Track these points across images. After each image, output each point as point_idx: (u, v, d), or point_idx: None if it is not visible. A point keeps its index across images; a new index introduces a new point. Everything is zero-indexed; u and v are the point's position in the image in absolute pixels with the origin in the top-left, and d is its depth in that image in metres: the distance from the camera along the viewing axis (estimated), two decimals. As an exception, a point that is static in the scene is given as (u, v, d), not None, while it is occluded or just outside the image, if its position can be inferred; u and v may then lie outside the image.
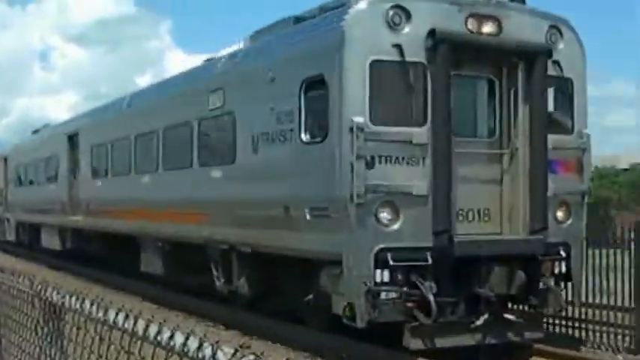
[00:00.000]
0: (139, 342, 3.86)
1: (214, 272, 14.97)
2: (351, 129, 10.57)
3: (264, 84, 12.75)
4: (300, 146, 11.73)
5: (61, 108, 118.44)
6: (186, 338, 3.38)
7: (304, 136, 11.74)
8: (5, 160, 37.32)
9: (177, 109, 16.68)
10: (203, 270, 15.81)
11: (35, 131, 34.69)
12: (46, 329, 5.31)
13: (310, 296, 12.08)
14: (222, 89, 14.46)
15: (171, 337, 3.53)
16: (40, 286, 5.11)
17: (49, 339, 5.21)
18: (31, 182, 31.46)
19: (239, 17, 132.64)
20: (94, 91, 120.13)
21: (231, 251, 14.07)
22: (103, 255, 24.28)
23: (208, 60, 16.77)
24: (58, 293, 4.76)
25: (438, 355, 10.75)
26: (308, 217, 11.46)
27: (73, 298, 4.57)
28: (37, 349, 5.53)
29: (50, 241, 27.84)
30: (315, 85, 11.25)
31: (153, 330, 3.71)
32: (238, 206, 13.75)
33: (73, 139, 24.69)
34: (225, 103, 14.28)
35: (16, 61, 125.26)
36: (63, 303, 4.75)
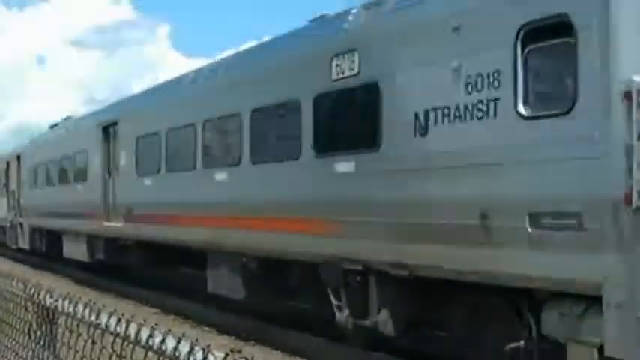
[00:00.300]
0: (130, 346, 3.83)
1: (333, 300, 11.86)
2: (628, 94, 7.55)
3: (439, 37, 9.78)
4: (515, 122, 8.69)
5: (58, 112, 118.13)
6: (178, 342, 3.44)
7: (523, 108, 8.63)
8: (18, 158, 34.21)
9: (276, 84, 13.40)
10: (307, 294, 13.33)
11: (53, 126, 31.70)
12: (39, 332, 5.38)
13: (518, 344, 9.16)
14: (356, 51, 11.25)
15: (163, 340, 3.55)
16: (33, 290, 5.13)
17: (42, 342, 5.28)
18: (50, 183, 28.15)
19: (238, 21, 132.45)
20: (91, 95, 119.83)
21: (367, 273, 11.05)
22: (145, 270, 22.19)
23: (316, 19, 13.69)
24: (51, 296, 4.77)
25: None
26: (529, 228, 8.41)
27: (66, 302, 4.55)
28: (31, 352, 5.50)
29: (75, 250, 24.67)
30: (547, 31, 8.39)
31: (145, 334, 3.82)
32: (390, 212, 10.49)
33: (108, 131, 21.50)
34: (362, 70, 11.14)
35: (13, 65, 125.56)
36: (56, 306, 4.73)
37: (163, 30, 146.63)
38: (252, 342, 13.86)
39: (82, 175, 23.51)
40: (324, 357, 12.39)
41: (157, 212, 17.64)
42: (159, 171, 17.71)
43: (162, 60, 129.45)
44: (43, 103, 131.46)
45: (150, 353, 4.15)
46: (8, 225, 36.07)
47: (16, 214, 34.02)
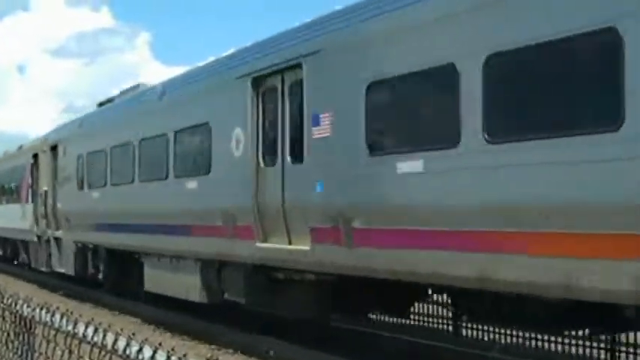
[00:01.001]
0: (107, 355, 3.84)
1: None
2: None
3: None
4: None
5: (38, 121, 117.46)
6: (154, 351, 3.40)
7: None
8: (54, 149, 24.76)
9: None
10: None
11: (103, 103, 23.36)
12: (16, 342, 5.30)
13: None
14: None
15: (140, 350, 3.53)
16: (10, 299, 5.11)
17: (19, 352, 5.22)
18: (119, 180, 19.22)
19: (218, 30, 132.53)
20: (71, 104, 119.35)
21: None
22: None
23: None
24: (28, 306, 4.76)
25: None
26: None
27: (43, 311, 4.56)
28: (8, 362, 5.53)
29: (176, 283, 16.07)
30: None
31: (122, 343, 3.74)
32: None
33: (293, 87, 12.27)
34: None
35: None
36: (33, 316, 4.74)
37: (143, 38, 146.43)
38: (231, 350, 13.90)
39: (196, 166, 15.14)
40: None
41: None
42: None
43: (142, 68, 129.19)
44: (23, 111, 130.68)
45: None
46: (34, 239, 26.56)
47: (48, 225, 24.72)
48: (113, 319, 16.83)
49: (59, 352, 4.93)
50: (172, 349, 3.84)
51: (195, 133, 15.25)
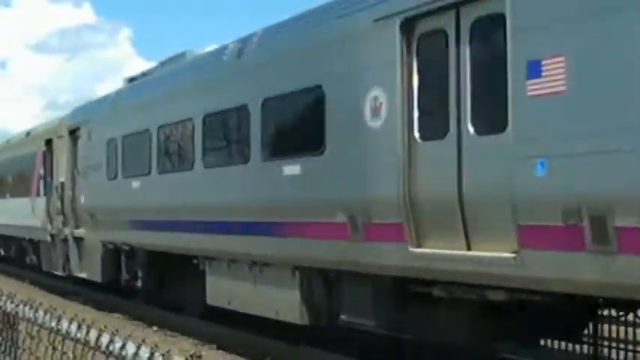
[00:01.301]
0: (91, 351, 3.85)
1: None
2: None
3: None
4: None
5: (20, 118, 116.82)
6: (138, 347, 3.42)
7: None
8: (75, 132, 21.11)
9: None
10: None
11: (134, 78, 19.79)
12: (0, 338, 5.27)
13: None
14: None
15: (123, 346, 3.55)
16: (-6, 296, 5.12)
17: (2, 348, 5.19)
18: (165, 168, 15.81)
19: (199, 26, 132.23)
20: (53, 100, 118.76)
21: None
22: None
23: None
24: (12, 302, 4.76)
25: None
26: None
27: (27, 307, 4.55)
28: (-9, 359, 5.51)
29: (273, 303, 12.29)
30: None
31: (105, 339, 3.75)
32: None
33: (482, 24, 8.99)
34: None
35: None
36: (17, 312, 4.73)
37: (125, 34, 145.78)
38: (215, 346, 13.89)
39: (298, 143, 11.83)
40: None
41: None
42: None
43: (125, 63, 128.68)
44: (4, 108, 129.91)
45: (110, 359, 4.18)
46: (47, 238, 23.12)
47: (65, 223, 21.42)
48: (97, 315, 16.78)
49: (43, 348, 4.93)
50: (156, 346, 3.85)
51: (297, 100, 11.75)
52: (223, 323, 14.69)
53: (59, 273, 22.12)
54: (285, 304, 11.84)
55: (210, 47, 15.25)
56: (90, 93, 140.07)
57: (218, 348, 13.90)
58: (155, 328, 16.14)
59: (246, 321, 14.00)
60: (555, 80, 7.70)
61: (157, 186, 15.86)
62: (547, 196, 7.81)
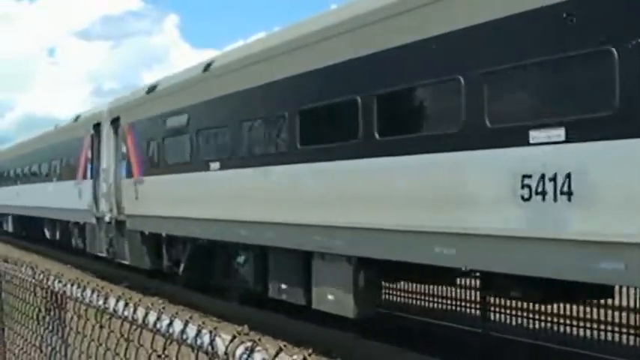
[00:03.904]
0: (138, 330, 3.81)
1: None
2: None
3: None
4: None
5: (67, 104, 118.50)
6: (185, 325, 3.35)
7: None
8: (116, 122, 22.32)
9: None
10: None
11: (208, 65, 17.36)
12: (47, 318, 5.30)
13: None
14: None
15: (170, 324, 3.48)
16: (42, 275, 5.11)
17: (50, 327, 5.21)
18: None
19: (247, 13, 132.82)
20: (99, 87, 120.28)
21: None
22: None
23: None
24: (59, 282, 4.74)
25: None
26: None
27: (74, 287, 4.53)
28: (39, 338, 5.50)
29: None
30: None
31: (152, 317, 3.72)
32: None
33: None
34: None
35: (21, 56, 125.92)
36: (64, 291, 4.72)
37: (171, 20, 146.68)
38: (259, 331, 13.91)
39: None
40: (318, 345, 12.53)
41: None
42: None
43: (171, 50, 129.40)
44: (51, 94, 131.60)
45: (157, 337, 4.15)
46: (92, 221, 23.88)
47: (111, 207, 22.02)
48: (143, 297, 16.91)
49: (90, 327, 4.90)
50: (203, 323, 3.80)
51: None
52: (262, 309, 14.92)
53: (103, 254, 23.19)
54: None
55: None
56: (136, 80, 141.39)
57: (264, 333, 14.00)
58: (200, 313, 16.23)
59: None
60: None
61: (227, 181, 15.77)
62: None
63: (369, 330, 12.84)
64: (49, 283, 5.57)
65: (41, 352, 6.02)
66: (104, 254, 23.03)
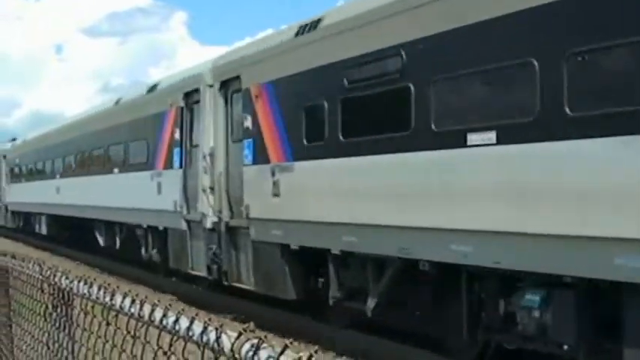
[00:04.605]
0: (144, 326, 3.81)
1: None
2: None
3: None
4: None
5: (75, 100, 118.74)
6: (191, 322, 3.35)
7: None
8: (227, 86, 16.24)
9: None
10: None
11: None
12: (54, 315, 5.32)
13: None
14: None
15: (176, 321, 3.48)
16: (49, 272, 5.12)
17: (57, 324, 5.23)
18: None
19: (254, 9, 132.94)
20: (106, 83, 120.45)
21: None
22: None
23: None
24: (66, 278, 4.76)
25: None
26: None
27: (81, 283, 4.54)
28: (46, 334, 5.51)
29: None
30: None
31: (158, 314, 3.74)
32: None
33: None
34: None
35: (29, 53, 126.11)
36: (71, 288, 4.73)
37: (179, 17, 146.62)
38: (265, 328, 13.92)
39: None
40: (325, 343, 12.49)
41: None
42: None
43: (179, 47, 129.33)
44: (59, 91, 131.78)
45: (163, 333, 4.15)
46: (182, 227, 17.49)
47: (222, 210, 15.83)
48: (150, 294, 16.94)
49: (96, 324, 4.91)
50: (209, 319, 3.81)
51: None
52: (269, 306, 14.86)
53: (199, 273, 16.81)
54: None
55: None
56: (143, 77, 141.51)
57: (264, 329, 14.00)
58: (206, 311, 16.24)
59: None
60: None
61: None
62: None
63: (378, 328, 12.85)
64: (56, 279, 5.57)
65: (48, 348, 6.03)
66: (202, 273, 16.62)
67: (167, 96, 18.96)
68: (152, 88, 21.02)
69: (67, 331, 5.63)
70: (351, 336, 12.93)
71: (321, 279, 13.17)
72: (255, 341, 3.14)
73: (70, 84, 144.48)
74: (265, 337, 3.17)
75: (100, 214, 24.08)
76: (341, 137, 12.14)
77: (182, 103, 17.80)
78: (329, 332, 13.24)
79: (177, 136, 17.91)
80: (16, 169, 39.87)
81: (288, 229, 13.40)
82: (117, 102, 24.45)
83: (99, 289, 4.82)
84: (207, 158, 16.21)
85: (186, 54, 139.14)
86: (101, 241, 25.38)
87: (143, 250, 20.76)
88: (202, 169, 16.35)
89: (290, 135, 13.55)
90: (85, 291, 5.02)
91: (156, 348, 4.11)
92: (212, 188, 16.03)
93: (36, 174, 35.23)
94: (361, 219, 11.52)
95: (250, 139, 14.72)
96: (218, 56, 17.30)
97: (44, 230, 34.29)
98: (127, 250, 22.77)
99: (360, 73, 11.81)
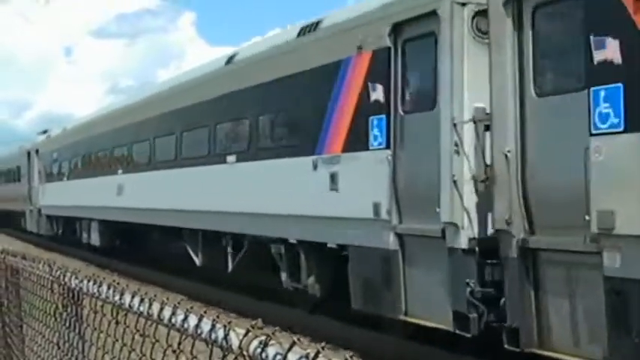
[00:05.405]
0: (153, 325, 3.83)
1: None
2: None
3: None
4: None
5: (83, 102, 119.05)
6: (199, 320, 3.36)
7: None
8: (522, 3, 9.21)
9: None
10: None
11: None
12: (64, 314, 5.34)
13: None
14: None
15: (185, 319, 3.49)
16: (58, 272, 5.14)
17: (67, 324, 5.25)
18: None
19: (262, 9, 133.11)
20: (115, 84, 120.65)
21: None
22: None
23: None
24: (76, 278, 4.78)
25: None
26: None
27: (91, 283, 4.56)
28: (57, 334, 5.53)
29: None
30: None
31: (167, 313, 3.73)
32: None
33: None
34: None
35: (38, 55, 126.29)
36: (81, 288, 4.75)
37: (187, 18, 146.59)
38: (277, 326, 13.96)
39: None
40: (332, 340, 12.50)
41: None
42: None
43: (187, 47, 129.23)
44: (68, 93, 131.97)
45: (172, 332, 4.16)
46: (387, 246, 11.01)
47: (514, 220, 9.01)
48: (159, 292, 17.01)
49: (106, 323, 4.93)
50: (218, 317, 3.82)
51: None
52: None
53: (440, 325, 10.51)
54: None
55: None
56: (152, 78, 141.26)
57: (281, 330, 13.96)
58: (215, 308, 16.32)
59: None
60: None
61: None
62: None
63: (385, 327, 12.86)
64: (66, 279, 5.60)
65: (59, 348, 6.06)
66: (440, 324, 10.51)
67: (346, 35, 12.59)
68: (309, 28, 14.07)
69: (77, 330, 5.65)
70: (358, 333, 12.95)
71: None
72: (263, 338, 3.16)
73: (79, 85, 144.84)
74: (273, 333, 3.18)
75: (200, 222, 17.58)
76: None
77: (388, 42, 11.45)
78: (337, 330, 13.25)
79: (377, 96, 11.62)
80: (54, 166, 32.99)
81: None
82: (229, 60, 17.29)
83: (108, 288, 4.84)
84: (465, 129, 10.08)
85: (195, 54, 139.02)
86: (198, 260, 18.30)
87: (283, 276, 14.48)
88: (449, 148, 10.19)
89: None
90: (95, 290, 5.04)
91: (165, 346, 4.13)
92: (481, 181, 10.01)
93: (83, 170, 28.84)
94: None
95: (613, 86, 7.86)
96: None
97: (96, 240, 26.98)
98: (249, 275, 16.70)
99: None
